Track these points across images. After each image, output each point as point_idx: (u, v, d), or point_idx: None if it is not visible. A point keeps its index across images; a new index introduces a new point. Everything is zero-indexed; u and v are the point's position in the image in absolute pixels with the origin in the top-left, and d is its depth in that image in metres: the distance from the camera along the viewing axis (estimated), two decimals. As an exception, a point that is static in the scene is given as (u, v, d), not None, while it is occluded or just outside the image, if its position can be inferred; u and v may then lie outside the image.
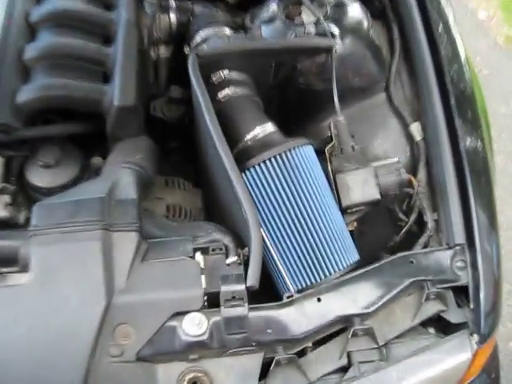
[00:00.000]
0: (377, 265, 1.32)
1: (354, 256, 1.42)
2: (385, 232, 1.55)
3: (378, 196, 1.38)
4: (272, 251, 1.37)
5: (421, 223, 1.47)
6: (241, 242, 1.26)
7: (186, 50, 1.59)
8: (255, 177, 1.32)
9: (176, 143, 1.69)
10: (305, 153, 1.36)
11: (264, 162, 1.31)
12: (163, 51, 1.65)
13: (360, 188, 1.38)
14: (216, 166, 1.31)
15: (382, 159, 1.50)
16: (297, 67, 1.51)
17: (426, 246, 1.43)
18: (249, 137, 1.37)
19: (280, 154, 1.32)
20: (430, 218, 1.43)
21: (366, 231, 1.54)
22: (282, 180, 1.32)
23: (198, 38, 1.57)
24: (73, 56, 1.41)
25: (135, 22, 1.47)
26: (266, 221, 1.34)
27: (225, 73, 1.43)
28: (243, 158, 1.38)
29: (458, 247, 1.33)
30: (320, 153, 1.51)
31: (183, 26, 1.63)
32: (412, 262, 1.32)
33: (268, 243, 1.36)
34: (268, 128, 1.40)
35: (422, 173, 1.49)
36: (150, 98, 1.62)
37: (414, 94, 1.59)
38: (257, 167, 1.32)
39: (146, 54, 1.61)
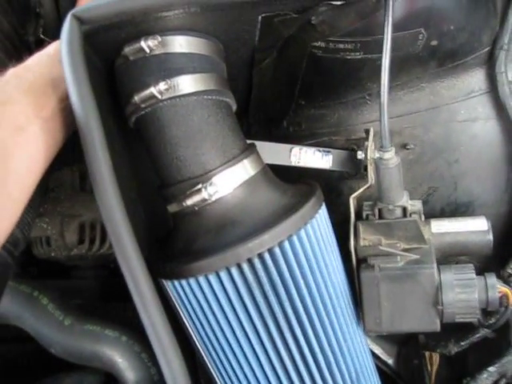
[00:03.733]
0: None
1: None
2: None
3: (435, 328, 0.72)
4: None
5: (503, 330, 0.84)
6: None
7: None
8: (197, 288, 0.67)
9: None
10: (308, 234, 0.68)
11: (222, 271, 0.65)
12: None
13: (402, 310, 0.72)
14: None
15: (452, 209, 0.80)
16: (310, 22, 0.71)
17: (502, 376, 0.82)
18: (193, 200, 0.67)
19: (260, 255, 0.64)
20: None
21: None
22: (258, 293, 0.66)
23: None
24: None
25: None
26: (220, 360, 0.73)
27: (150, 44, 0.65)
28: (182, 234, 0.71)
29: None
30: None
31: None
32: None
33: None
34: (238, 173, 0.68)
35: (527, 246, 0.80)
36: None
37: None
38: (202, 279, 0.66)
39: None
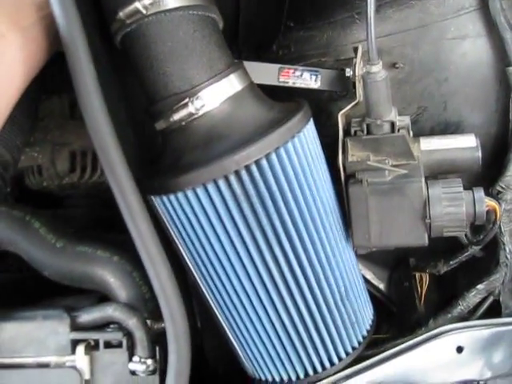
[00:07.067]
0: (406, 346, 0.79)
1: (367, 321, 0.83)
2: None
3: (423, 242, 0.73)
4: (224, 326, 0.79)
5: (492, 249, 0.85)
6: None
7: None
8: (185, 202, 0.67)
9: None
10: (296, 148, 0.68)
11: (209, 183, 0.65)
12: None
13: (390, 225, 0.72)
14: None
15: (441, 129, 0.80)
16: None
17: (489, 294, 0.84)
18: (180, 115, 0.67)
19: (247, 167, 0.65)
20: (510, 257, 0.81)
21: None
22: (245, 205, 0.67)
23: None
24: None
25: None
26: (209, 274, 0.74)
27: None
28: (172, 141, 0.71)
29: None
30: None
31: None
32: (461, 349, 0.77)
33: (217, 313, 0.78)
34: (224, 88, 0.68)
35: (514, 166, 0.80)
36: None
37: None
38: (190, 192, 0.66)
39: None
